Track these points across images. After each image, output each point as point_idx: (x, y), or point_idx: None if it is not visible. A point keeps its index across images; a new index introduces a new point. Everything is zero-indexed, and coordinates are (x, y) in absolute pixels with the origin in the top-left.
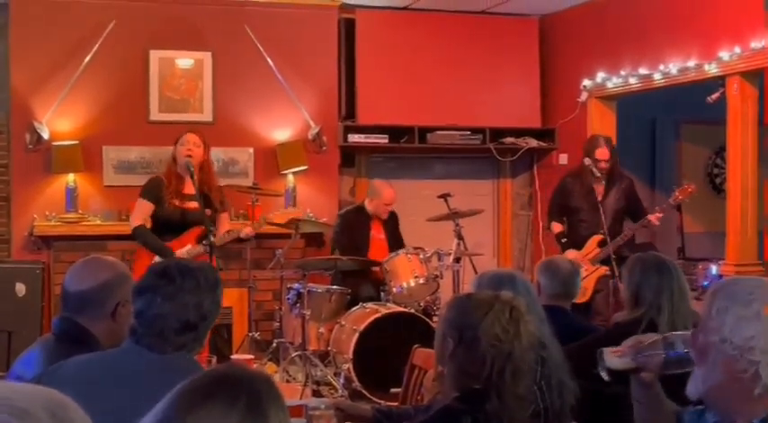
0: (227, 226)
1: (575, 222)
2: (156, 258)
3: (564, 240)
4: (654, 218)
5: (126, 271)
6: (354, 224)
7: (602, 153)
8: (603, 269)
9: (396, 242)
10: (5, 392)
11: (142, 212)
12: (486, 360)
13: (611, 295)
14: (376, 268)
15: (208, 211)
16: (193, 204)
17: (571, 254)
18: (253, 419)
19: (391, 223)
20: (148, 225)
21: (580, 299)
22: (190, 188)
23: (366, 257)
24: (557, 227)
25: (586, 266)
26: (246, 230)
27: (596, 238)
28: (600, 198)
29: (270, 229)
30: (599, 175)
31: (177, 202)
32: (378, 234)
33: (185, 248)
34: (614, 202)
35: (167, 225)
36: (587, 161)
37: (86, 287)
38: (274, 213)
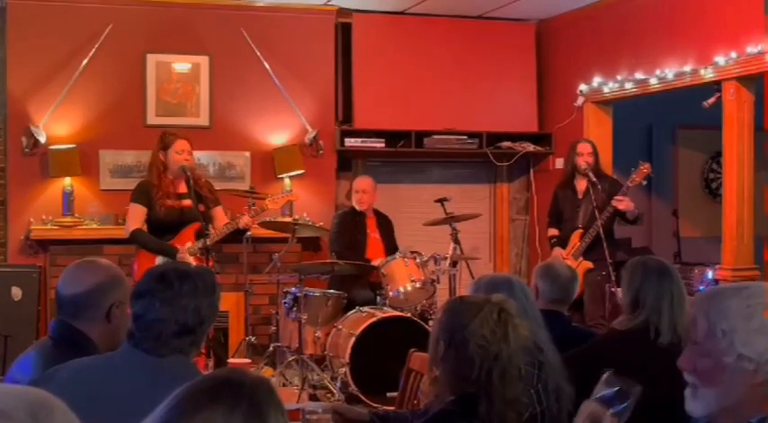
0: (224, 219)
1: (562, 224)
2: (159, 259)
3: (553, 240)
4: (617, 203)
5: (119, 273)
6: (351, 224)
7: (583, 147)
8: (588, 264)
9: (391, 246)
10: None
11: (136, 216)
12: (474, 362)
13: (607, 300)
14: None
15: (202, 208)
16: (187, 202)
17: (557, 251)
18: None
19: (386, 227)
20: (144, 229)
21: None
22: (183, 188)
23: (364, 256)
24: (550, 232)
25: (570, 261)
26: (245, 220)
27: (577, 232)
28: (581, 196)
29: (266, 233)
30: (584, 167)
31: (170, 202)
32: (373, 233)
33: (186, 246)
34: (596, 200)
35: (164, 225)
36: (584, 165)
37: (80, 290)
38: (270, 199)
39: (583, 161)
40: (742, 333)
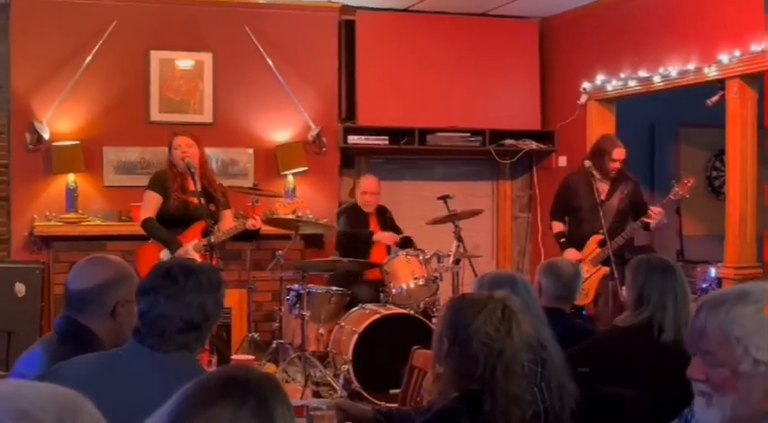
0: (231, 222)
1: (575, 222)
2: (163, 252)
3: (563, 240)
4: (653, 214)
5: (127, 271)
6: (356, 219)
7: (620, 153)
8: (605, 270)
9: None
10: (13, 392)
11: (150, 205)
12: (478, 359)
13: (610, 298)
14: (374, 270)
15: (212, 207)
16: (194, 199)
17: (571, 254)
18: (260, 420)
19: (384, 218)
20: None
21: (582, 300)
22: (192, 185)
23: (368, 256)
24: (557, 226)
25: (587, 267)
26: (252, 221)
27: (596, 238)
28: (603, 198)
29: (270, 230)
30: (599, 176)
31: (182, 197)
32: (377, 232)
33: (192, 243)
34: (617, 203)
35: (172, 218)
36: (587, 164)
37: (86, 286)
38: (278, 204)
39: (615, 167)
40: (756, 338)
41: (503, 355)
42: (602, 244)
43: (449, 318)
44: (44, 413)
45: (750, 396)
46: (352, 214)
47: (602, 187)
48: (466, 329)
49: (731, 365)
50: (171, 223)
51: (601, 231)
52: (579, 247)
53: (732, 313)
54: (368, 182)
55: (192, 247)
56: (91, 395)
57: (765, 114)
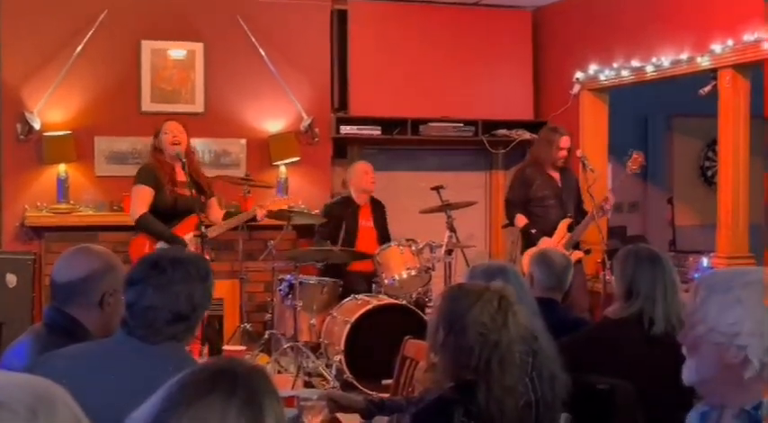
0: (218, 211)
1: (542, 211)
2: (160, 245)
3: (534, 231)
4: (610, 202)
5: (113, 261)
6: (339, 215)
7: (567, 141)
8: (579, 254)
9: (384, 233)
10: None
11: (143, 199)
12: (474, 349)
13: (603, 288)
14: (365, 261)
15: (203, 199)
16: (186, 191)
17: (546, 242)
18: (249, 412)
19: (379, 213)
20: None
21: None
22: (181, 175)
23: (353, 248)
24: (521, 220)
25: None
26: (262, 212)
27: (565, 222)
28: (560, 184)
29: (262, 221)
30: (562, 162)
31: (171, 189)
32: (366, 222)
33: (189, 235)
34: (569, 190)
35: (164, 213)
36: (579, 153)
37: (72, 277)
38: (271, 200)
39: (563, 155)
40: (715, 305)
41: (498, 345)
42: (570, 228)
43: (445, 307)
44: (18, 403)
45: (707, 362)
46: (335, 211)
47: (556, 175)
48: (462, 319)
49: (695, 327)
50: (163, 217)
51: (569, 215)
52: (548, 235)
53: (712, 279)
54: (363, 164)
55: (190, 241)
56: (79, 386)
57: (766, 105)
